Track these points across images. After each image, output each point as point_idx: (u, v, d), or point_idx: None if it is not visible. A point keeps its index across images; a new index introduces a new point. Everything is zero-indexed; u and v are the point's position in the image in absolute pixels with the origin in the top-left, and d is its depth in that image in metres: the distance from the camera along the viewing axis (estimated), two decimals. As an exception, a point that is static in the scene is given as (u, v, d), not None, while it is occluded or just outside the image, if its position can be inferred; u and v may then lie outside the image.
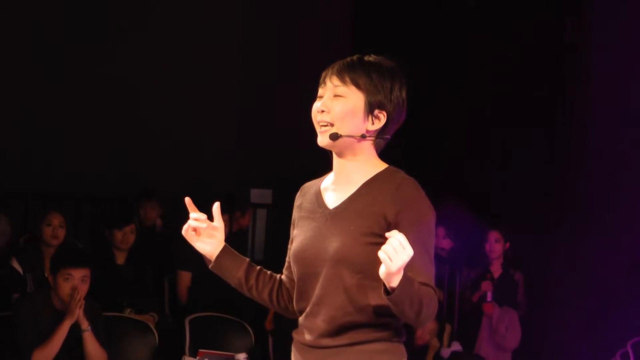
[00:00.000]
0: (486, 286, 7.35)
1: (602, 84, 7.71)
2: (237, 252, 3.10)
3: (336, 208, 2.94)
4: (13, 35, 8.62)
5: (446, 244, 7.90)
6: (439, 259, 7.75)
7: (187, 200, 3.08)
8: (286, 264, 3.10)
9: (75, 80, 8.82)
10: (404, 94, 2.97)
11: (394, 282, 2.67)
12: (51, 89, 8.73)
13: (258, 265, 3.12)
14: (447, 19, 8.73)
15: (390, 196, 2.86)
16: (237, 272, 3.06)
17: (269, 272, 3.13)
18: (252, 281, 3.08)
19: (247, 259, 3.11)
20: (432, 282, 2.83)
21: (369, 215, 2.87)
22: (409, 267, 2.69)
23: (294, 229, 3.07)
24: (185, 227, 3.04)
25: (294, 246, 3.01)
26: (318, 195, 3.01)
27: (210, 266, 3.08)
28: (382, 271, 2.67)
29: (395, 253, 2.64)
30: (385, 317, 2.87)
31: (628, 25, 7.81)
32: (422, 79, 8.60)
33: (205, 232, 3.04)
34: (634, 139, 7.73)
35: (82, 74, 8.86)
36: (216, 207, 3.06)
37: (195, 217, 3.04)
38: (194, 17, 9.44)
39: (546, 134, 7.94)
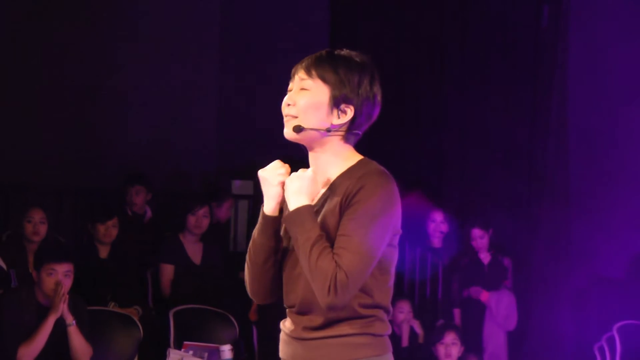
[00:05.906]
0: (475, 292, 7.44)
1: (579, 67, 7.74)
2: None
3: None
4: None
5: (444, 227, 7.87)
6: (431, 251, 7.77)
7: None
8: None
9: (57, 75, 8.77)
10: (375, 89, 2.92)
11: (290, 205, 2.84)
12: (33, 85, 8.67)
13: None
14: (421, 12, 8.72)
15: (351, 187, 2.81)
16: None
17: None
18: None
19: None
20: (346, 262, 2.73)
21: (337, 213, 2.83)
22: (337, 241, 2.76)
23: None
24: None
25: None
26: None
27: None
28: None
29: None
30: (369, 311, 2.86)
31: (605, 10, 7.84)
32: (399, 72, 8.63)
33: None
34: (614, 121, 7.77)
35: (65, 69, 8.82)
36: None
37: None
38: (174, 17, 9.45)
39: (526, 118, 7.95)
